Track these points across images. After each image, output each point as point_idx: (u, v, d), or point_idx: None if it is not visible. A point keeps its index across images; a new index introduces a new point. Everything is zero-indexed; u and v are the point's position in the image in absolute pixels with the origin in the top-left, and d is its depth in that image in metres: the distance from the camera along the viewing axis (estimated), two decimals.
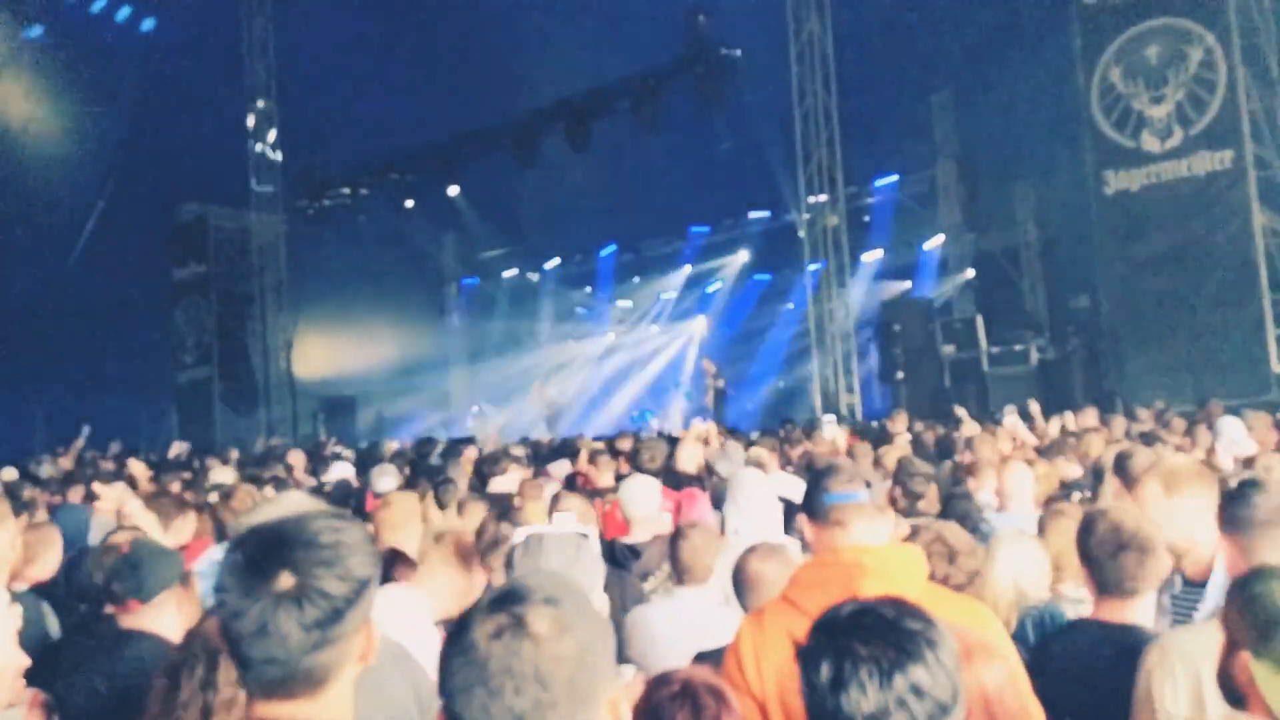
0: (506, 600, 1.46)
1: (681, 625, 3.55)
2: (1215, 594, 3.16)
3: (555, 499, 5.58)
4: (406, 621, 3.20)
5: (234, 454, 14.02)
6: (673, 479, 6.63)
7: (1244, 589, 2.22)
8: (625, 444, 9.29)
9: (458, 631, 1.45)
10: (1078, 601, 3.49)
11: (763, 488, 5.09)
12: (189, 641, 2.26)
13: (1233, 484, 3.35)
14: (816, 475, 2.69)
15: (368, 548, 1.64)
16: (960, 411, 11.09)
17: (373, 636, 1.66)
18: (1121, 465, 4.90)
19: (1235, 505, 3.02)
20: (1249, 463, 6.11)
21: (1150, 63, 14.51)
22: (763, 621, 2.56)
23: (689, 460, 7.16)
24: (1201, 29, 14.13)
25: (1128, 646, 2.80)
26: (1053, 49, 16.13)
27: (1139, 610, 2.97)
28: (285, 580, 1.53)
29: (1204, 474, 3.79)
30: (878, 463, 7.39)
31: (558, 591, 1.49)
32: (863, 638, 1.48)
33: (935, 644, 1.48)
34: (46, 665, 3.09)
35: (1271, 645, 2.08)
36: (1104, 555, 2.93)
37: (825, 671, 1.50)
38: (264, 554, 1.56)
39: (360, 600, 1.59)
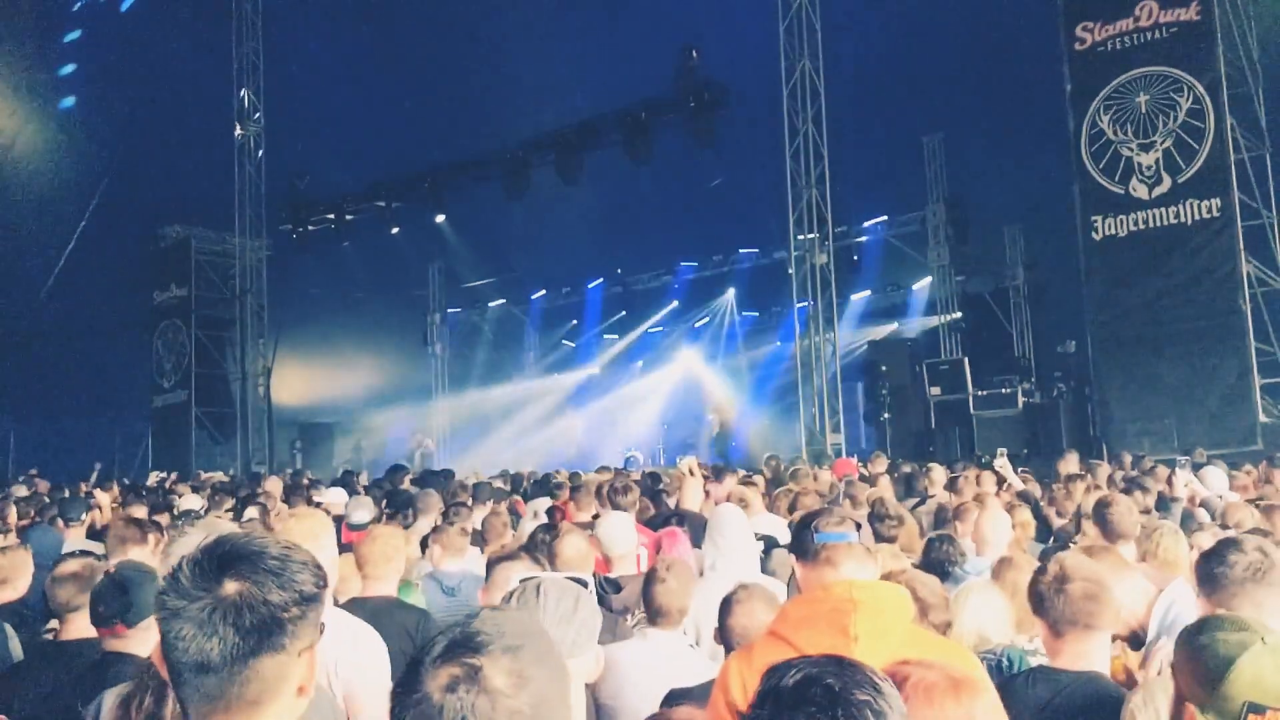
0: (461, 647, 1.38)
1: (653, 668, 3.50)
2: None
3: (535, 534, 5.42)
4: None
5: (218, 476, 13.80)
6: (657, 519, 6.49)
7: (1191, 640, 2.19)
8: (604, 478, 9.11)
9: (409, 679, 1.38)
10: (1036, 651, 3.51)
11: (743, 526, 4.98)
12: (141, 673, 2.26)
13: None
14: (806, 516, 2.74)
15: (317, 569, 1.59)
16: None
17: (314, 667, 1.58)
18: (1101, 513, 4.95)
19: (1211, 563, 3.06)
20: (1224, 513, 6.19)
21: (1140, 110, 14.61)
22: (751, 657, 2.54)
23: (692, 499, 7.00)
24: (1191, 78, 14.25)
25: (1090, 694, 2.81)
26: (1044, 94, 16.26)
27: (1091, 655, 2.93)
28: (228, 586, 1.49)
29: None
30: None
31: (516, 637, 1.42)
32: (807, 711, 1.41)
33: (882, 714, 1.40)
34: (5, 685, 3.18)
35: (1216, 697, 2.05)
36: (1049, 591, 2.97)
37: None
38: (210, 562, 1.52)
39: (304, 617, 1.53)
